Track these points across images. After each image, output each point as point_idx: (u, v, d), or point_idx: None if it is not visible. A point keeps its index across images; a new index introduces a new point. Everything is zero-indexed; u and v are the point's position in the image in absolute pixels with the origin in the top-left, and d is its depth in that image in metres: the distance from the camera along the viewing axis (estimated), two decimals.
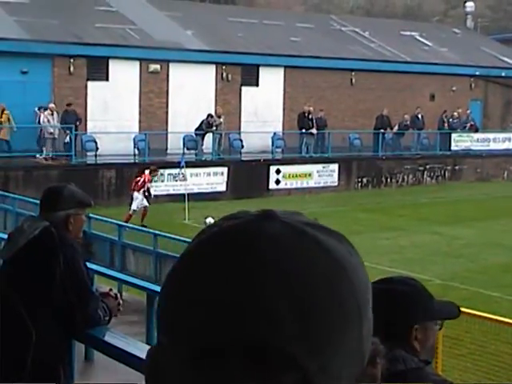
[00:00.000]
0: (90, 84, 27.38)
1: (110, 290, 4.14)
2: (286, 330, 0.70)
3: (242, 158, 27.65)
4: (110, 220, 14.82)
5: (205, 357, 0.70)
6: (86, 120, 26.71)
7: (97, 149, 25.16)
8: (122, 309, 4.01)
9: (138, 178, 21.22)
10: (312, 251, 0.73)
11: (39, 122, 24.87)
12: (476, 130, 34.03)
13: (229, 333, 0.70)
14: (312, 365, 0.70)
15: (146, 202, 20.47)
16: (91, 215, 11.14)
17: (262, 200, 25.37)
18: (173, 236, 13.95)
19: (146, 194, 20.55)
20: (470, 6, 46.06)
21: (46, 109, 24.65)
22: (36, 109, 25.14)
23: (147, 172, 21.14)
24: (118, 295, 4.06)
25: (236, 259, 0.72)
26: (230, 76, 30.28)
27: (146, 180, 20.80)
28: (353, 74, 33.33)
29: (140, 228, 16.21)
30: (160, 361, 0.74)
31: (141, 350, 3.76)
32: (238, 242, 0.73)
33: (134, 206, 20.29)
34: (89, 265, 4.32)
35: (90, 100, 27.38)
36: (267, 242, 0.73)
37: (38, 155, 24.30)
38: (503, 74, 38.11)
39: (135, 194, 20.52)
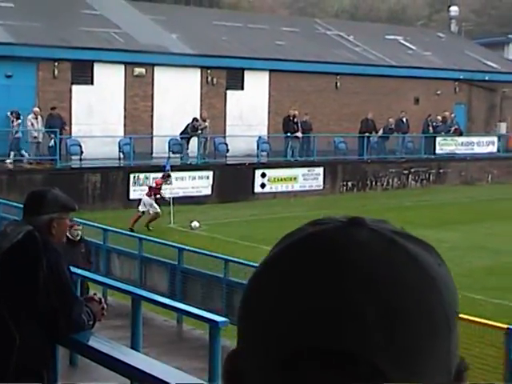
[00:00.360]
0: (74, 88, 27.29)
1: (95, 294, 4.14)
2: (372, 337, 0.68)
3: (228, 162, 27.65)
4: (94, 224, 14.76)
5: (292, 360, 0.69)
6: (70, 124, 26.63)
7: (81, 153, 25.10)
8: (106, 313, 4.00)
9: (154, 184, 21.43)
10: (401, 260, 0.72)
11: (13, 125, 24.78)
12: (460, 134, 34.16)
13: (316, 339, 0.68)
14: (397, 376, 0.68)
15: (147, 208, 20.52)
16: (76, 219, 11.08)
17: (247, 204, 25.38)
18: (158, 240, 13.94)
19: (153, 198, 20.61)
20: (454, 10, 46.30)
21: (18, 113, 24.49)
22: (8, 113, 24.99)
23: (160, 177, 21.38)
24: (103, 299, 4.05)
25: (324, 265, 0.71)
26: (215, 80, 30.28)
27: (157, 184, 20.95)
28: (338, 77, 33.42)
29: (125, 232, 16.16)
30: (242, 364, 0.73)
31: (125, 354, 3.75)
32: (326, 248, 0.72)
33: (155, 209, 20.39)
34: (73, 269, 4.31)
35: (74, 104, 27.29)
36: (355, 250, 0.71)
37: (7, 160, 24.09)
38: (487, 78, 38.32)
39: (148, 198, 20.56)
